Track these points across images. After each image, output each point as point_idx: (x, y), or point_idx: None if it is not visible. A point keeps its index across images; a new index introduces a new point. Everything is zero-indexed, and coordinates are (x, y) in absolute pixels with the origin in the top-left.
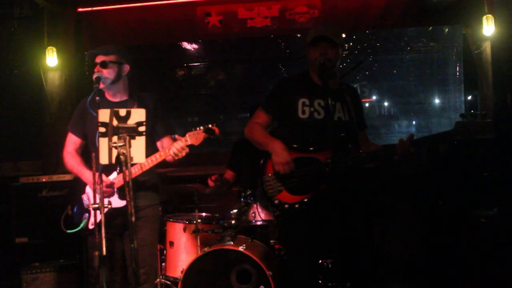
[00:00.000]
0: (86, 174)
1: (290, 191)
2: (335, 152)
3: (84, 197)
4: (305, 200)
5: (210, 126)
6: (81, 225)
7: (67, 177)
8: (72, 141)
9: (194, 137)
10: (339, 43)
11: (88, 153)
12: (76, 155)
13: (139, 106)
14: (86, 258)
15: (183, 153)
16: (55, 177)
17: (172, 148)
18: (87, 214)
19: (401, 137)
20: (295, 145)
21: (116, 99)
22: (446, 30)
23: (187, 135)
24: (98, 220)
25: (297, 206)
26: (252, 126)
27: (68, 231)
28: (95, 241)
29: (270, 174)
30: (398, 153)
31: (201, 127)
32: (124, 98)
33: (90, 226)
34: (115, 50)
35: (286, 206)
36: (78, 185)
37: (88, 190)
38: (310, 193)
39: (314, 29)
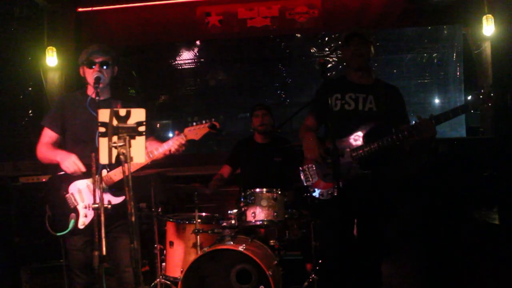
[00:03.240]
0: (59, 153)
1: (324, 179)
2: (335, 146)
3: (69, 197)
4: (336, 187)
5: (212, 121)
6: (70, 226)
7: None
8: (48, 136)
9: (194, 132)
10: (370, 41)
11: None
12: (50, 146)
13: (123, 105)
14: (66, 259)
15: (183, 148)
16: None
17: (173, 145)
18: (74, 215)
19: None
20: (328, 135)
21: (101, 98)
22: (446, 30)
23: (185, 130)
24: (89, 220)
25: (330, 192)
26: (301, 128)
27: (58, 233)
28: (75, 242)
29: (306, 166)
30: (420, 125)
31: (203, 122)
32: (107, 96)
33: (81, 226)
34: (111, 51)
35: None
36: (56, 185)
37: (72, 189)
38: (341, 180)
39: (344, 31)
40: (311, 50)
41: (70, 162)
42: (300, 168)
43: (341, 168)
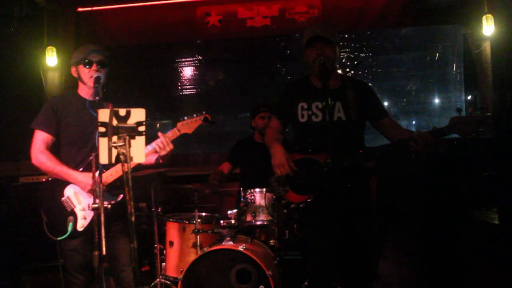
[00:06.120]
0: (74, 175)
1: (296, 191)
2: (335, 152)
3: (66, 200)
4: (309, 200)
5: (204, 113)
6: (69, 229)
7: None
8: (41, 139)
9: (187, 126)
10: (335, 42)
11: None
12: (51, 155)
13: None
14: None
15: (168, 149)
16: None
17: (156, 146)
18: (71, 218)
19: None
20: (296, 147)
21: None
22: (446, 30)
23: (178, 125)
24: (88, 222)
25: (302, 206)
26: (266, 130)
27: (59, 238)
28: (70, 243)
29: (277, 175)
30: (418, 143)
31: (195, 115)
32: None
33: (80, 229)
34: (106, 51)
35: (292, 205)
36: (51, 190)
37: (68, 192)
38: (313, 193)
39: (308, 30)
40: None
41: (86, 182)
42: (272, 178)
43: (318, 180)
